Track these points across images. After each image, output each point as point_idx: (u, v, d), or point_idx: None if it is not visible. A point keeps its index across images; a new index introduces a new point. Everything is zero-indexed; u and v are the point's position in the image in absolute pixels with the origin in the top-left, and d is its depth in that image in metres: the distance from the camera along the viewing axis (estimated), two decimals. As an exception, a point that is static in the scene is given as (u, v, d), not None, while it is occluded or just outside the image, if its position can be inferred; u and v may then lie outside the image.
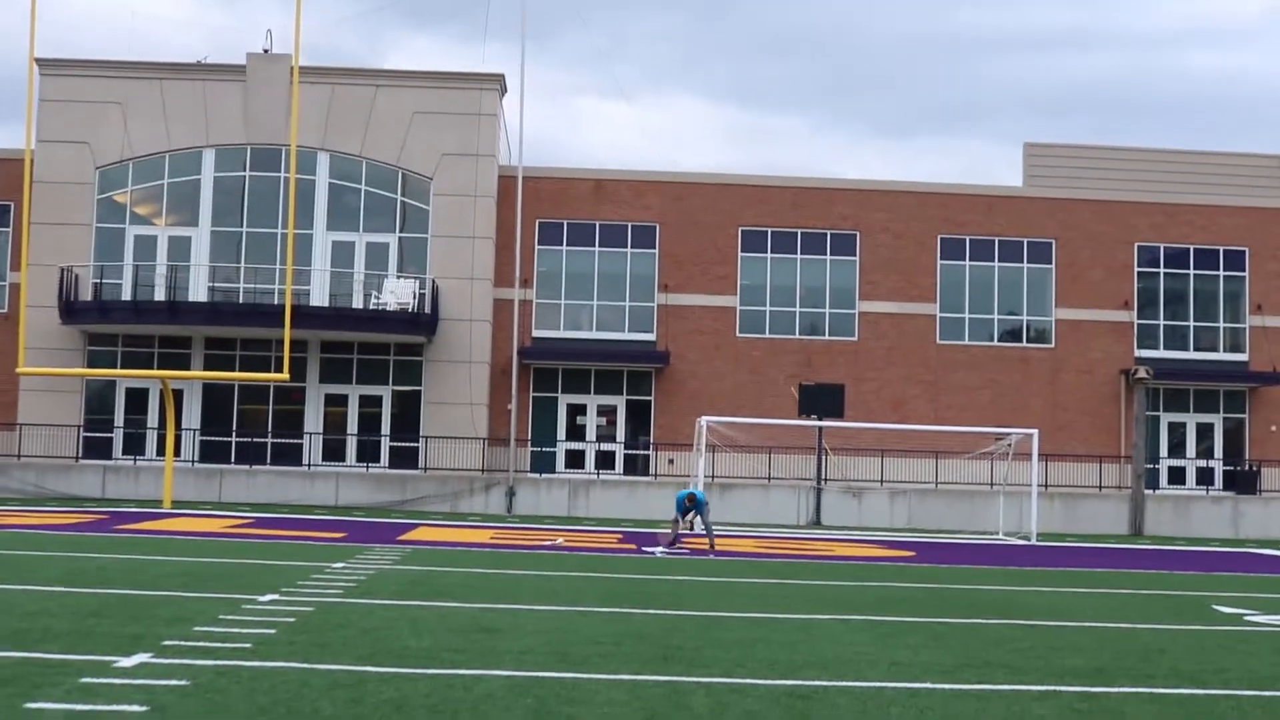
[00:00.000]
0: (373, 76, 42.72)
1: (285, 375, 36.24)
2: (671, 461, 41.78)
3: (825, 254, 43.92)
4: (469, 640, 12.67)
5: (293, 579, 17.61)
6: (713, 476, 39.16)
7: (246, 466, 40.21)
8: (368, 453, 41.45)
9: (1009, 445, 36.82)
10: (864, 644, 13.37)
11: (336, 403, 42.10)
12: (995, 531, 36.62)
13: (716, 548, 26.66)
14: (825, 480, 39.83)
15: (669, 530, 27.50)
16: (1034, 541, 33.71)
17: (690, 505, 27.03)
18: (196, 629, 12.69)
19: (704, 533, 27.73)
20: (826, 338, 43.67)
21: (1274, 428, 44.07)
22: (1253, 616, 17.08)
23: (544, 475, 40.75)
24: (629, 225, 43.70)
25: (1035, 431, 35.77)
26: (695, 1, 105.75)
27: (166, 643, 11.83)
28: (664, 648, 12.61)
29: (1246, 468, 42.99)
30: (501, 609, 15.20)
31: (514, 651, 12.05)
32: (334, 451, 41.67)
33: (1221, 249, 44.49)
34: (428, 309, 41.16)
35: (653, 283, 43.58)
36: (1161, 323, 44.36)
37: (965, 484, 40.27)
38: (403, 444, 41.71)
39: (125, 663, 10.82)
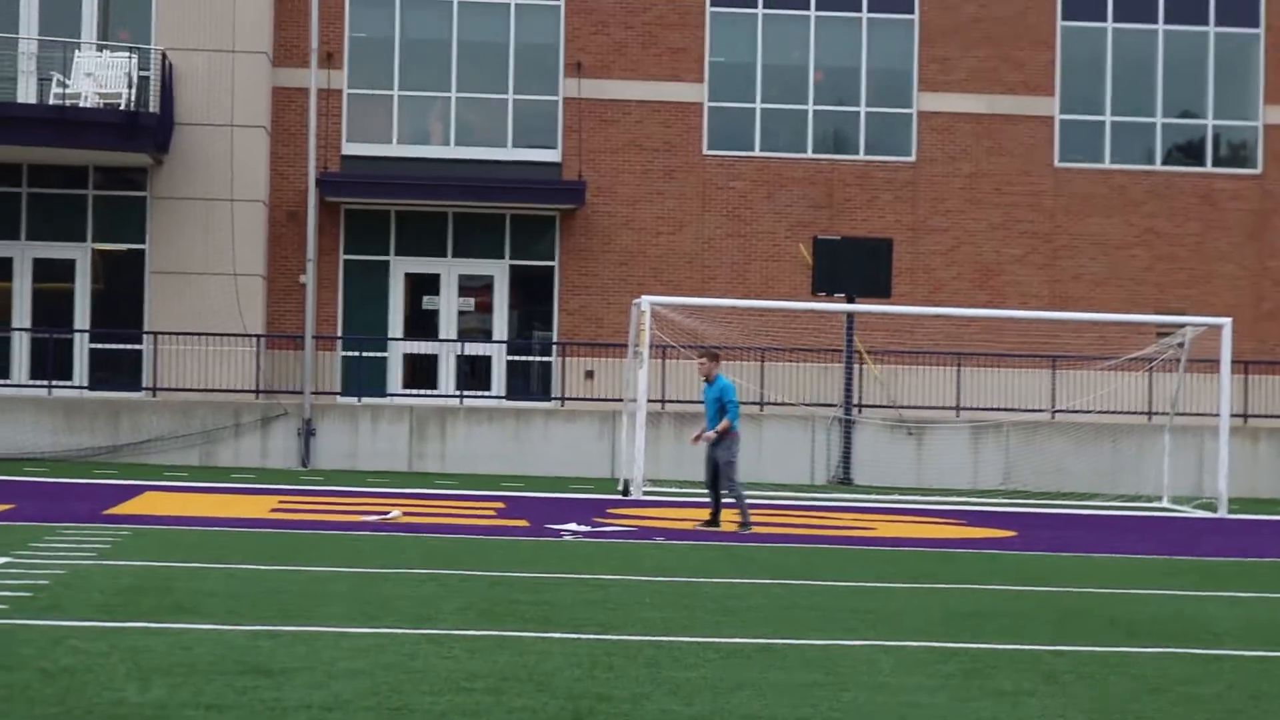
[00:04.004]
0: None
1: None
2: (590, 374, 41.77)
3: (859, 10, 43.77)
4: (234, 689, 12.56)
5: (-82, 584, 17.46)
6: (663, 402, 39.20)
7: None
8: (51, 363, 41.05)
9: (1181, 346, 37.01)
10: (925, 692, 13.39)
11: (-6, 274, 41.83)
12: (1157, 496, 37.01)
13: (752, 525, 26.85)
14: (860, 408, 39.97)
15: (735, 503, 27.07)
16: (1223, 514, 34.08)
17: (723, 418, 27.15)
18: None
19: (728, 498, 27.58)
20: (862, 158, 43.67)
21: None
22: None
23: (366, 400, 40.69)
24: (514, -43, 43.37)
25: (1227, 321, 35.92)
26: None
27: None
28: (576, 699, 12.57)
29: None
30: (292, 633, 15.16)
31: (314, 707, 11.95)
32: (-10, 361, 41.48)
33: None
34: (154, 105, 40.66)
35: (557, 59, 43.28)
36: None
37: (1103, 413, 40.54)
38: (114, 346, 41.44)
39: None
